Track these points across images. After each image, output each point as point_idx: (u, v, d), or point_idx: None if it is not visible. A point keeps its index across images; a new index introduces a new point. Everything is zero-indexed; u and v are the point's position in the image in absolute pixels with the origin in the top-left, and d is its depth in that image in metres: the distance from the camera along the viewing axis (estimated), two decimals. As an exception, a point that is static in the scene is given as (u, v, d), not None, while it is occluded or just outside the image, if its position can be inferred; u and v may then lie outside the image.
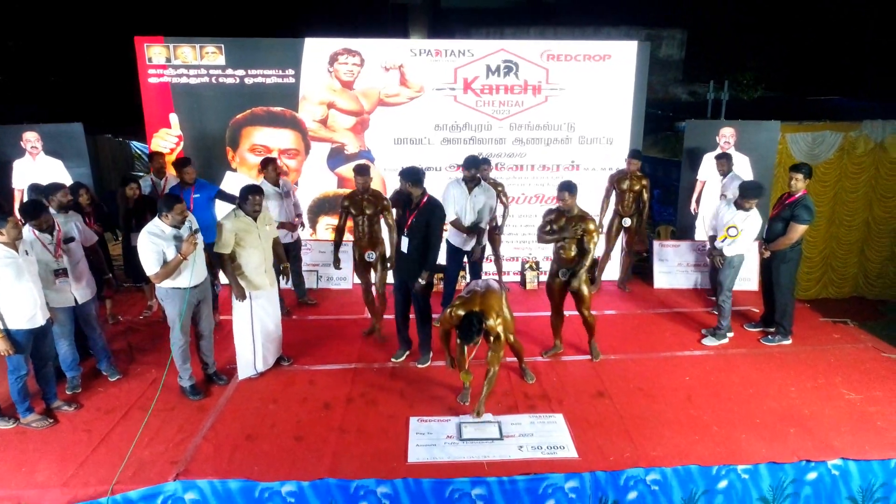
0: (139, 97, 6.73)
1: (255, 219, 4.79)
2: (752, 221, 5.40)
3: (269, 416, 4.58)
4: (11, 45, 12.70)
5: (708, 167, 7.01)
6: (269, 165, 6.07)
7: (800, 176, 5.45)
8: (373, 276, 5.78)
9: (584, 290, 5.15)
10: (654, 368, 5.33)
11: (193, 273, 4.50)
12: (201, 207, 5.81)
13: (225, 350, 5.25)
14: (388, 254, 5.56)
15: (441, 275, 6.24)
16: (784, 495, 4.03)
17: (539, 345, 5.71)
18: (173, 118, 6.80)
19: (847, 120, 9.51)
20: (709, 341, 5.72)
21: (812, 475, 4.02)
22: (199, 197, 5.97)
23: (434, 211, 5.01)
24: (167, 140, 6.85)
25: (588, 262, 5.07)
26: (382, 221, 5.53)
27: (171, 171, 6.31)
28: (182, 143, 6.87)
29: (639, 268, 7.67)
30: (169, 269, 4.37)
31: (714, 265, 5.72)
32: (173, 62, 6.66)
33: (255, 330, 4.92)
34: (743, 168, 6.89)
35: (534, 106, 7.01)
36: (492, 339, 4.40)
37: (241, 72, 6.73)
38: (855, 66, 15.17)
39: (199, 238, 4.60)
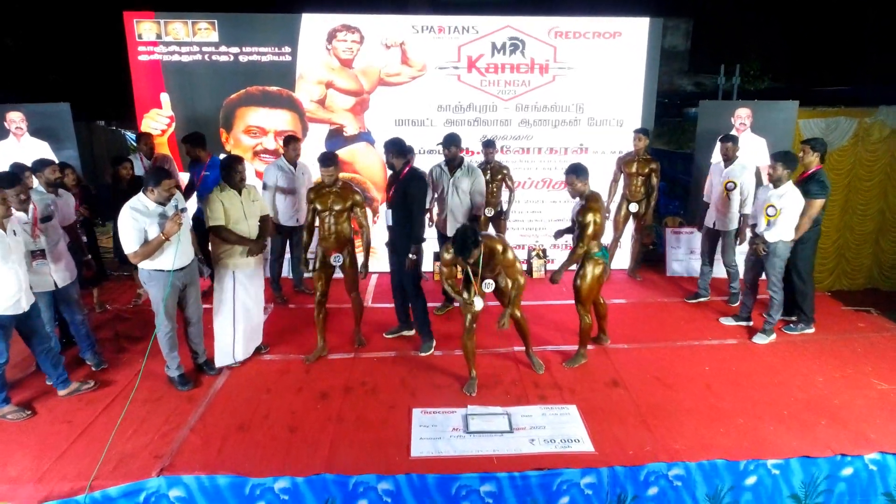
0: (129, 77, 6.43)
1: (239, 192, 4.51)
2: (790, 198, 4.99)
3: (262, 406, 4.29)
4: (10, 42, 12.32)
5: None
6: (291, 143, 5.80)
7: (808, 148, 5.21)
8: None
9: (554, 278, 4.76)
10: (669, 357, 5.04)
11: (178, 254, 4.18)
12: (209, 185, 5.41)
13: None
14: (361, 258, 4.99)
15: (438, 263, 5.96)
16: (817, 492, 3.74)
17: (548, 334, 5.42)
18: (164, 98, 6.49)
19: (859, 107, 9.21)
20: (759, 339, 5.30)
21: (847, 470, 3.73)
22: (208, 175, 5.75)
23: (412, 181, 4.77)
24: (158, 121, 6.55)
25: (579, 251, 4.62)
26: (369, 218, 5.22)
27: (161, 151, 6.02)
28: (174, 125, 6.56)
29: (650, 255, 7.38)
30: (149, 248, 4.04)
31: (756, 255, 5.32)
32: (164, 39, 6.36)
33: (236, 312, 4.65)
34: (759, 151, 6.60)
35: (541, 86, 6.72)
36: (498, 267, 4.28)
37: (235, 49, 6.43)
38: (863, 52, 14.87)
39: (187, 218, 4.30)
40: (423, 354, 5.01)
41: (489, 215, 6.14)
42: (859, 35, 14.87)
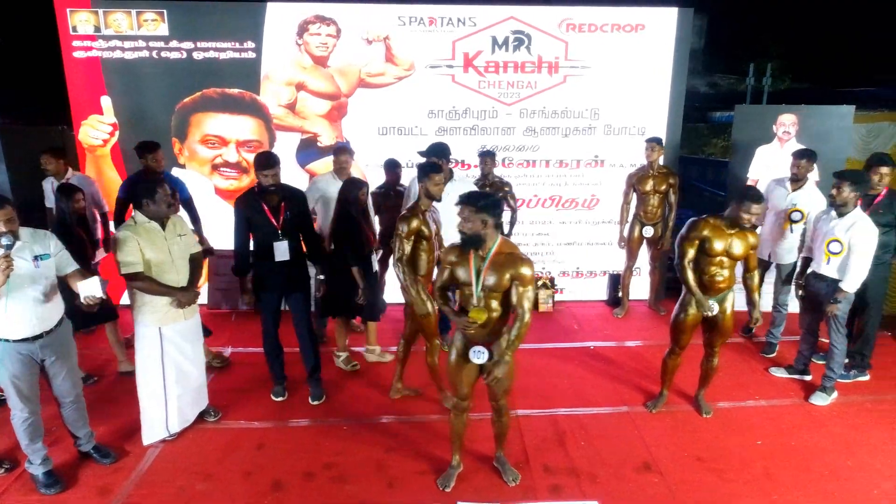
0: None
1: (162, 226, 3.54)
2: (861, 228, 3.99)
3: (195, 503, 3.31)
4: None
5: (762, 163, 5.74)
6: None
7: (886, 170, 4.29)
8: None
9: None
10: (712, 426, 4.07)
11: (28, 318, 3.10)
12: None
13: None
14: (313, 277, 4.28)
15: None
16: None
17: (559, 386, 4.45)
18: (105, 102, 5.52)
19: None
20: (819, 399, 4.32)
21: None
22: None
23: (299, 193, 4.23)
24: (99, 129, 5.58)
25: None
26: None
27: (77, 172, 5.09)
28: (117, 133, 5.59)
29: (674, 284, 6.40)
30: None
31: (810, 294, 4.36)
32: (104, 32, 5.39)
33: (166, 376, 3.68)
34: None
35: (550, 88, 5.74)
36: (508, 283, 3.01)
37: (188, 44, 5.46)
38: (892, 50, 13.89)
39: (23, 262, 3.05)
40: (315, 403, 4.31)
41: None
42: (891, 31, 13.87)
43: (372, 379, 4.68)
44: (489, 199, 2.96)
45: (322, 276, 4.44)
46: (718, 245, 3.72)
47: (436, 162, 4.13)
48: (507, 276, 2.99)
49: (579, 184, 6.00)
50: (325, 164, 5.71)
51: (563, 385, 4.58)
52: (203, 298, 5.75)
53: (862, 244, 3.96)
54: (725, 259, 3.75)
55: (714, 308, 3.84)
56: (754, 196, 3.60)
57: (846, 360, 4.60)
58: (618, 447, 3.83)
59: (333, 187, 4.63)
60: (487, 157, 5.22)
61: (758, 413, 4.23)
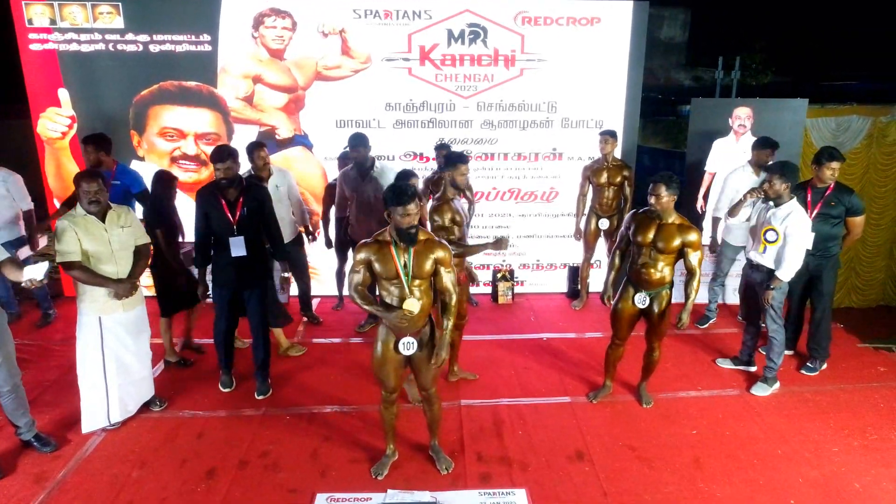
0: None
1: (101, 217, 3.57)
2: (795, 219, 4.01)
3: (127, 489, 3.38)
4: None
5: (718, 156, 5.77)
6: (255, 151, 4.73)
7: (836, 164, 4.32)
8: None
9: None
10: (649, 416, 4.11)
11: None
12: (116, 199, 4.43)
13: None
14: (279, 274, 4.32)
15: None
16: None
17: (505, 376, 4.49)
18: (63, 94, 5.53)
19: (871, 104, 8.28)
20: (759, 390, 4.35)
21: None
22: (117, 185, 4.76)
23: (260, 189, 4.20)
24: (57, 122, 5.59)
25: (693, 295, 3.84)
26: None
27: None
28: (76, 126, 5.60)
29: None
30: None
31: (748, 284, 4.43)
32: (60, 24, 5.39)
33: (106, 366, 3.72)
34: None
35: (506, 81, 5.75)
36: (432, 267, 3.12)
37: (144, 37, 5.46)
38: (878, 44, 13.86)
39: None
40: (260, 397, 4.30)
41: None
42: (873, 26, 13.86)
43: (319, 370, 4.71)
44: (404, 195, 2.96)
45: (286, 274, 4.36)
46: (641, 237, 3.77)
47: (463, 153, 4.26)
48: (431, 260, 3.08)
49: (538, 177, 6.02)
50: (282, 157, 5.73)
51: (509, 376, 4.62)
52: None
53: (796, 234, 4.00)
54: (653, 252, 3.77)
55: (644, 301, 3.88)
56: (660, 178, 3.67)
57: (815, 357, 4.66)
58: (553, 437, 3.87)
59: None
60: (444, 151, 5.24)
61: (698, 403, 4.27)
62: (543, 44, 5.68)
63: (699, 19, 15.08)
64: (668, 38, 15.91)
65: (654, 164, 12.47)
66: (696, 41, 15.46)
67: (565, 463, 3.62)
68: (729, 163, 5.47)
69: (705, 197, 5.96)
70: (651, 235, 3.74)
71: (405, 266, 3.06)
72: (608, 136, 5.38)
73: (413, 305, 3.06)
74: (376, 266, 3.07)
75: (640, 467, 3.57)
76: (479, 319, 5.55)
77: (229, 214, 3.97)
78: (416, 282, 3.09)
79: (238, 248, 4.00)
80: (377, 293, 3.23)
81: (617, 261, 4.08)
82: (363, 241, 3.14)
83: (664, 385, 4.46)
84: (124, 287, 3.65)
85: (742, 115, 5.71)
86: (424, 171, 5.74)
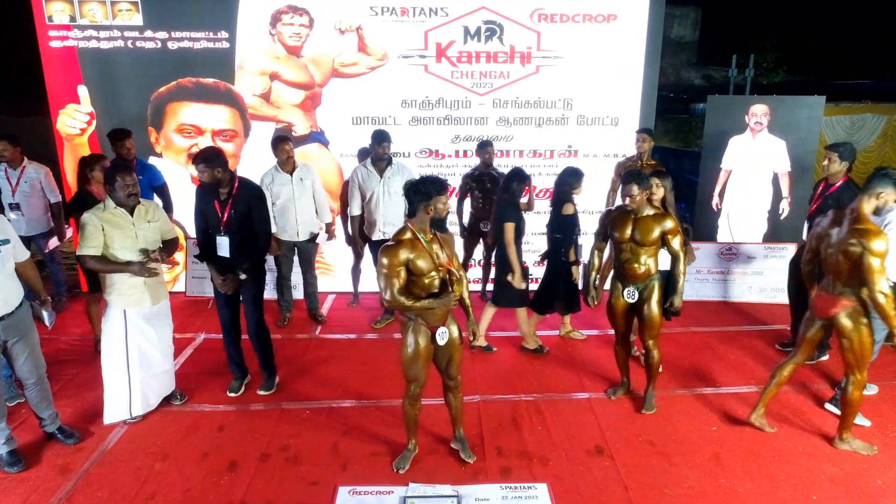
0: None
1: (130, 211, 3.60)
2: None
3: (150, 482, 3.39)
4: None
5: (734, 153, 5.76)
6: (279, 145, 4.80)
7: (835, 156, 4.28)
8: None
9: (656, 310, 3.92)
10: (668, 412, 4.10)
11: None
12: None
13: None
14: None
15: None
16: None
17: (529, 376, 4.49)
18: (82, 91, 5.59)
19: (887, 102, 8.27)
20: (835, 407, 4.08)
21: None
22: (141, 179, 4.75)
23: (252, 191, 4.02)
24: (76, 118, 5.64)
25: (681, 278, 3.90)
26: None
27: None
28: (94, 122, 5.65)
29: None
30: None
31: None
32: (79, 22, 5.44)
33: (129, 360, 3.75)
34: (778, 155, 5.63)
35: (522, 78, 5.77)
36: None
37: (162, 34, 5.51)
38: (891, 43, 13.77)
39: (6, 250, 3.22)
40: (263, 393, 4.33)
41: (484, 230, 5.42)
42: (885, 25, 13.77)
43: (335, 366, 4.74)
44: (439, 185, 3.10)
45: (243, 276, 4.03)
46: (619, 233, 3.82)
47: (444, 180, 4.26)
48: (451, 248, 3.29)
49: (553, 174, 5.99)
50: (298, 154, 5.74)
51: (527, 371, 4.63)
52: (181, 286, 5.86)
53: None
54: (633, 246, 3.80)
55: (633, 295, 3.90)
56: (630, 177, 3.70)
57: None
58: (572, 432, 3.87)
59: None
60: (486, 148, 5.25)
61: (720, 400, 4.25)
62: (559, 41, 5.69)
63: (710, 18, 15.06)
64: (679, 37, 15.86)
65: (664, 164, 12.41)
66: (706, 40, 15.44)
67: (585, 457, 3.62)
68: (745, 161, 5.47)
69: (721, 195, 5.96)
70: (628, 231, 3.80)
71: (437, 256, 3.14)
72: (645, 133, 5.34)
73: (462, 285, 3.26)
74: (417, 263, 3.07)
75: (661, 462, 3.57)
76: (494, 316, 5.54)
77: (219, 214, 3.90)
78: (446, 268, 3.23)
79: (223, 248, 3.95)
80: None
81: (596, 261, 4.15)
82: (388, 244, 3.10)
83: (684, 381, 4.46)
84: (139, 266, 3.61)
85: (759, 112, 5.70)
86: (438, 168, 5.76)
